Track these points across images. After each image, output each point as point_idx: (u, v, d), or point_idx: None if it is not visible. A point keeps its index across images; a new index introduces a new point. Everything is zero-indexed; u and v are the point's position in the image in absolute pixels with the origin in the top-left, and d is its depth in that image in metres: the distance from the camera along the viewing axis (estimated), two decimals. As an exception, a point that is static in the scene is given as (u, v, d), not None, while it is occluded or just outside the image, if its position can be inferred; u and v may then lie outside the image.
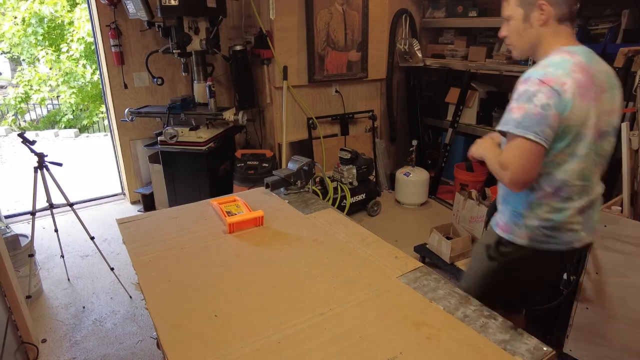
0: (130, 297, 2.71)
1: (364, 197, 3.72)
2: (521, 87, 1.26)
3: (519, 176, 1.25)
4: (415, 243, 3.12)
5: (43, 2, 6.93)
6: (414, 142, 3.93)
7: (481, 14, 3.74)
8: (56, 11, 7.00)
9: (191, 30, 3.12)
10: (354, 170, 3.56)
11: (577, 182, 1.32)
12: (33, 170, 2.48)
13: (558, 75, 1.23)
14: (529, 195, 1.36)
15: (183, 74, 3.50)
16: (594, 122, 1.28)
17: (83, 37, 6.91)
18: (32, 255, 2.58)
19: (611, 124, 1.36)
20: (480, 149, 1.45)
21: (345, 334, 1.08)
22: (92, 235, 2.68)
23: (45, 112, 8.19)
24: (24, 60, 7.79)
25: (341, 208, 3.52)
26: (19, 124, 7.98)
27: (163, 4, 2.89)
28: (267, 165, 3.47)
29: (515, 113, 1.24)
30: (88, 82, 7.41)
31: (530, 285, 1.53)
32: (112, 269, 2.70)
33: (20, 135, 2.46)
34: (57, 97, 7.77)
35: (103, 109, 7.04)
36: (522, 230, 1.39)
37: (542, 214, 1.35)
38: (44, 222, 3.56)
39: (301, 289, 1.26)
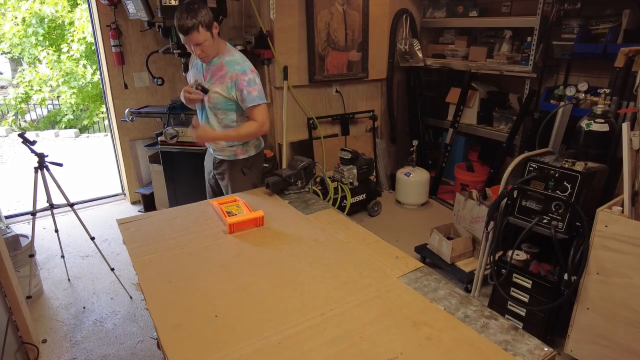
0: (131, 297, 2.71)
1: (364, 197, 3.72)
2: (247, 77, 2.09)
3: (269, 124, 2.29)
4: (416, 243, 3.12)
5: (44, 2, 6.93)
6: (415, 142, 3.92)
7: (482, 14, 3.74)
8: (57, 11, 7.00)
9: (191, 30, 3.11)
10: (355, 171, 3.56)
11: None
12: (33, 170, 2.48)
13: (251, 64, 2.16)
14: None
15: (183, 74, 3.49)
16: None
17: (84, 37, 6.91)
18: (32, 256, 2.58)
19: None
20: (210, 136, 2.19)
21: (346, 334, 1.07)
22: (92, 235, 2.67)
23: (45, 112, 8.19)
24: (24, 61, 7.79)
25: (341, 208, 3.52)
26: (19, 124, 7.99)
27: (163, 4, 2.89)
28: (267, 165, 3.47)
29: (254, 92, 2.10)
30: (88, 82, 7.42)
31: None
32: (112, 269, 2.70)
33: (21, 135, 2.45)
34: (58, 97, 7.78)
35: (103, 109, 7.05)
36: (252, 147, 2.33)
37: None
38: (44, 222, 3.56)
39: (301, 289, 1.26)
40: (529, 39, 3.25)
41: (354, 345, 1.04)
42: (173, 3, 2.88)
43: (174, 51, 3.18)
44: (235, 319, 1.13)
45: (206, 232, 1.60)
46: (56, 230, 2.71)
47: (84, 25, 6.83)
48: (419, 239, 3.17)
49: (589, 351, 2.03)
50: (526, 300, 2.23)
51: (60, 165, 2.60)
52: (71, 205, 2.62)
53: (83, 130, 7.86)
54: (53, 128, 7.93)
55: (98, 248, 2.69)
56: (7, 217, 3.79)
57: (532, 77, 3.30)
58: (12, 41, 7.23)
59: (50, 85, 7.53)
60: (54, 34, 7.47)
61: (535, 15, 3.14)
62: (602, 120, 2.20)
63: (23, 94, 7.48)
